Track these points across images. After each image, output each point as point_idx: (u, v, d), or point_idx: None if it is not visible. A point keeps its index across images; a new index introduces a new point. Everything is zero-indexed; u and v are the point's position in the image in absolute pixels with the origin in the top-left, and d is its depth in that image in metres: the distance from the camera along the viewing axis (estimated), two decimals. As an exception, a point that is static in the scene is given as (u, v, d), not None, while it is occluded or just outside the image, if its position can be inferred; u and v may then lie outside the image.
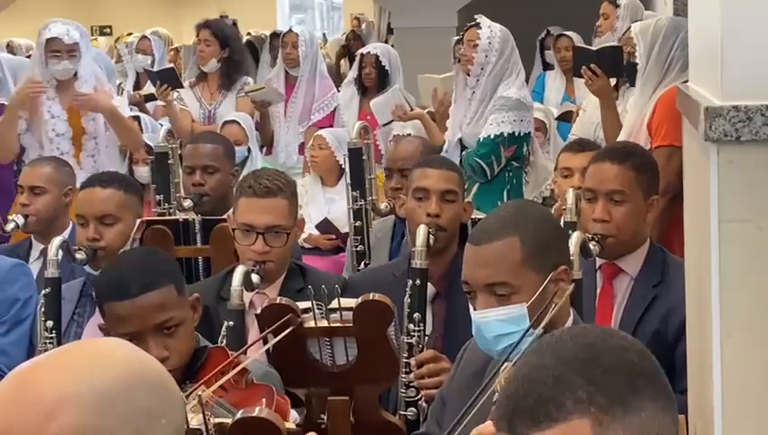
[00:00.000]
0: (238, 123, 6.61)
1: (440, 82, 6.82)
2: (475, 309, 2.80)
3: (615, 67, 5.60)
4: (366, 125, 5.57)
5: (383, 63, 7.63)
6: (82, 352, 1.48)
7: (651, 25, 4.95)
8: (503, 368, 2.56)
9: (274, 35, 9.61)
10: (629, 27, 5.78)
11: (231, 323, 3.39)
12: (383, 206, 5.05)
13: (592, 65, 5.52)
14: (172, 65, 8.61)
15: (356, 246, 4.94)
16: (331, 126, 7.33)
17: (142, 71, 9.13)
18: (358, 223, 4.98)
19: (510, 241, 2.77)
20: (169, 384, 1.48)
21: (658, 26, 4.88)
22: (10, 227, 4.72)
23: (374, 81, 7.62)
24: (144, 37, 9.51)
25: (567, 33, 9.02)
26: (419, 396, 3.50)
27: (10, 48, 11.80)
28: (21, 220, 4.70)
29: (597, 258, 3.73)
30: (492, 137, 5.64)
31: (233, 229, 3.81)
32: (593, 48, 6.05)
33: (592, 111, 6.00)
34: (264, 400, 2.73)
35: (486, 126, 5.68)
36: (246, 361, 2.77)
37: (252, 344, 2.88)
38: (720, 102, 2.30)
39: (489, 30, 5.88)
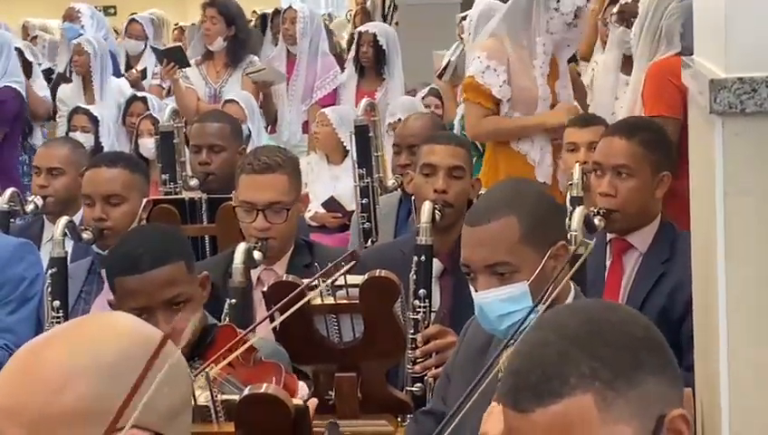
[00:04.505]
0: (237, 103, 6.58)
1: None
2: (476, 290, 2.80)
3: None
4: (372, 102, 5.56)
5: (380, 43, 7.52)
6: (88, 325, 1.50)
7: (645, 1, 4.95)
8: (507, 348, 2.57)
9: (276, 13, 9.60)
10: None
11: (233, 300, 3.40)
12: (390, 182, 5.05)
13: None
14: (179, 44, 8.61)
15: (363, 224, 4.94)
16: (334, 104, 7.33)
17: (135, 54, 9.11)
18: (364, 200, 4.97)
19: (507, 220, 2.77)
20: (175, 354, 1.49)
21: (650, 1, 4.88)
22: (30, 208, 4.73)
23: (371, 60, 7.53)
24: (134, 21, 9.44)
25: None
26: (425, 372, 3.51)
27: (25, 29, 11.76)
28: (40, 201, 4.72)
29: (608, 233, 3.74)
30: None
31: (234, 207, 3.82)
32: None
33: (604, 94, 5.94)
34: (273, 378, 2.74)
35: None
36: (254, 338, 2.78)
37: (260, 323, 2.88)
38: (725, 74, 2.30)
39: (474, 8, 6.04)
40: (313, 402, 2.67)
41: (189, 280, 3.02)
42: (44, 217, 4.77)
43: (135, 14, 9.98)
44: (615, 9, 5.28)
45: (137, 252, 2.98)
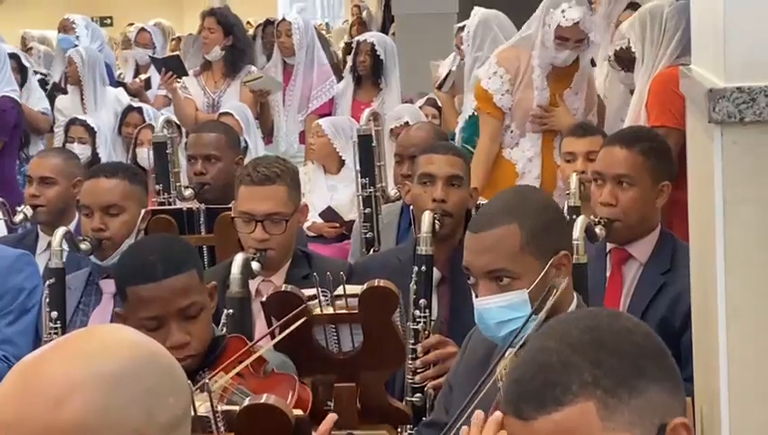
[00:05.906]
0: (232, 115, 6.58)
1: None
2: (476, 296, 2.80)
3: None
4: (375, 112, 5.57)
5: (378, 52, 7.54)
6: (87, 338, 1.49)
7: (636, 17, 4.99)
8: (506, 354, 2.57)
9: (267, 23, 9.62)
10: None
11: (231, 311, 3.39)
12: (393, 192, 5.04)
13: None
14: (177, 53, 8.64)
15: (365, 233, 4.93)
16: (330, 113, 7.34)
17: (144, 63, 9.15)
18: (367, 210, 4.97)
19: (509, 228, 2.77)
20: (175, 365, 1.50)
21: (642, 14, 4.92)
22: (19, 218, 4.72)
23: (368, 69, 7.54)
24: (143, 29, 9.49)
25: None
26: (426, 382, 3.51)
27: (23, 40, 11.76)
28: (29, 211, 4.70)
29: (608, 242, 3.73)
30: (467, 118, 5.75)
31: (232, 218, 3.82)
32: None
33: (617, 105, 5.94)
34: (289, 389, 2.74)
35: (465, 109, 5.82)
36: (262, 349, 2.77)
37: (265, 336, 2.88)
38: (723, 84, 2.30)
39: (472, 19, 6.19)
40: (332, 418, 2.64)
41: (201, 289, 3.01)
42: (38, 227, 4.76)
43: (132, 24, 10.04)
44: (610, 52, 5.30)
45: (150, 260, 2.95)
